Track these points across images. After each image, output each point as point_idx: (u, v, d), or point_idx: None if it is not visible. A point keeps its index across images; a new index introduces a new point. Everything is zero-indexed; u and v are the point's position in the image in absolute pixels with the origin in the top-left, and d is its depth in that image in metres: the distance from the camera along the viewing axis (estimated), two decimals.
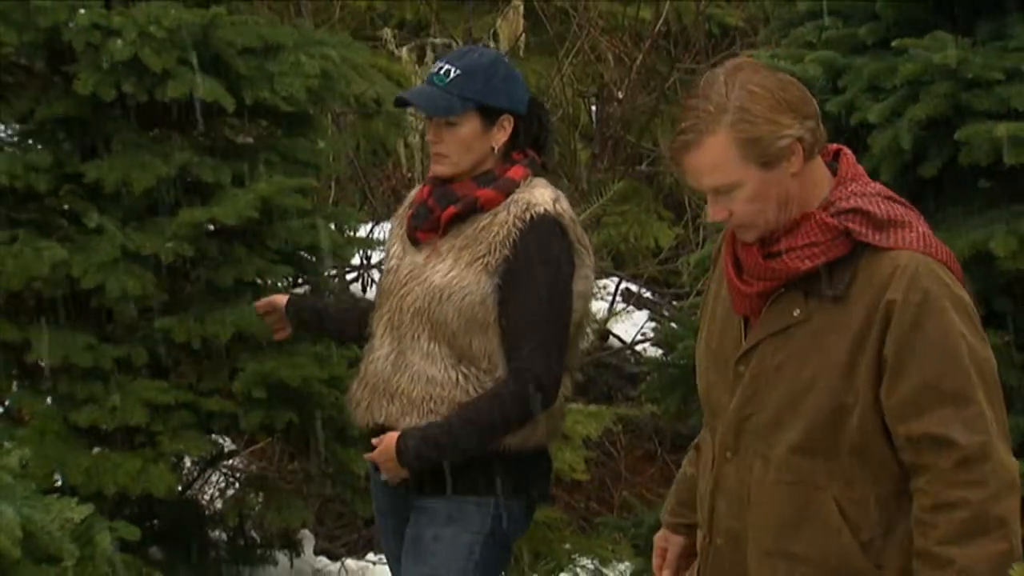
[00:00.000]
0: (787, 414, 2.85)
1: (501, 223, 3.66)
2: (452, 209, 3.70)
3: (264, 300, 4.24)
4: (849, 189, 2.86)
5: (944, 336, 2.76)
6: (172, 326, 4.75)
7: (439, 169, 3.74)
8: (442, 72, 3.72)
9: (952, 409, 2.75)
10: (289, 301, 4.17)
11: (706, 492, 3.04)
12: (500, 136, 3.73)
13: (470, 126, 3.70)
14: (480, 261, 3.65)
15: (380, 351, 3.77)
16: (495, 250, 3.65)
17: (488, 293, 3.65)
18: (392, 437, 3.68)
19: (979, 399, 2.76)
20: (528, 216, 3.66)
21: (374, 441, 3.73)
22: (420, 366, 3.69)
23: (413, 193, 3.95)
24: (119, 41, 4.63)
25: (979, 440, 2.74)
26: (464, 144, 3.71)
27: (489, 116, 3.71)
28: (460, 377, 3.67)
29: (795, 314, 2.85)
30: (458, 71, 3.70)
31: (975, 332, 2.80)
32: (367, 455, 3.77)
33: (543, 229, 3.66)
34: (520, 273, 3.64)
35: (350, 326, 4.06)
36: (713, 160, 2.80)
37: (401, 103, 3.84)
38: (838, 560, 2.84)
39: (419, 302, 3.69)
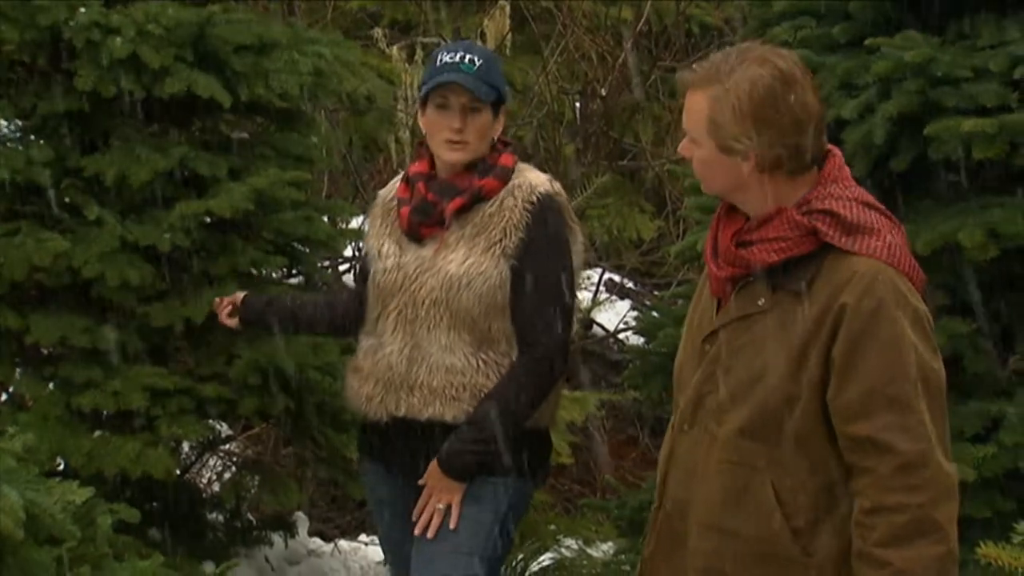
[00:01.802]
0: (738, 397, 2.92)
1: (511, 208, 3.71)
2: (459, 200, 3.74)
3: (227, 298, 4.23)
4: (828, 190, 2.88)
5: (893, 344, 2.79)
6: (156, 312, 4.78)
7: (457, 156, 3.75)
8: (467, 60, 3.73)
9: (895, 415, 2.79)
10: (246, 298, 4.19)
11: (662, 460, 3.14)
12: (498, 126, 3.81)
13: (487, 114, 3.76)
14: (497, 246, 3.70)
15: (391, 347, 3.78)
16: (511, 234, 3.70)
17: (506, 276, 3.69)
18: (435, 468, 3.72)
19: (921, 408, 2.79)
20: (535, 198, 3.72)
21: (421, 483, 3.76)
22: (438, 356, 3.72)
23: (390, 191, 3.95)
24: (118, 39, 4.65)
25: (919, 447, 2.78)
26: (482, 131, 3.75)
27: (496, 105, 3.78)
28: (480, 363, 3.72)
29: (759, 303, 2.92)
30: (481, 60, 3.74)
31: (927, 344, 2.84)
32: (422, 482, 3.77)
33: (550, 209, 3.73)
34: (534, 252, 3.69)
35: (318, 320, 4.08)
36: (691, 110, 2.91)
37: (443, 85, 3.72)
38: (769, 543, 2.91)
39: (435, 293, 3.71)
